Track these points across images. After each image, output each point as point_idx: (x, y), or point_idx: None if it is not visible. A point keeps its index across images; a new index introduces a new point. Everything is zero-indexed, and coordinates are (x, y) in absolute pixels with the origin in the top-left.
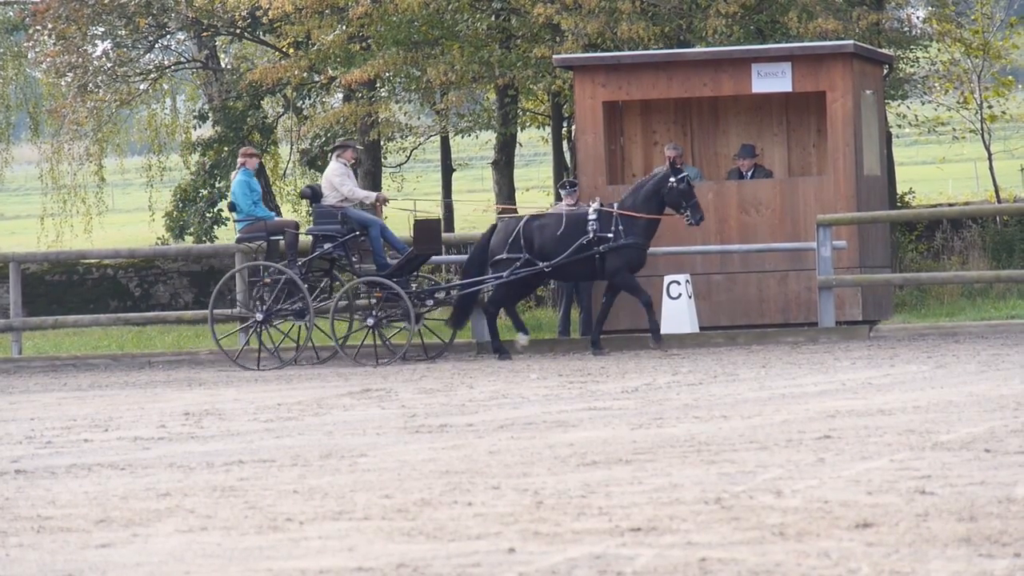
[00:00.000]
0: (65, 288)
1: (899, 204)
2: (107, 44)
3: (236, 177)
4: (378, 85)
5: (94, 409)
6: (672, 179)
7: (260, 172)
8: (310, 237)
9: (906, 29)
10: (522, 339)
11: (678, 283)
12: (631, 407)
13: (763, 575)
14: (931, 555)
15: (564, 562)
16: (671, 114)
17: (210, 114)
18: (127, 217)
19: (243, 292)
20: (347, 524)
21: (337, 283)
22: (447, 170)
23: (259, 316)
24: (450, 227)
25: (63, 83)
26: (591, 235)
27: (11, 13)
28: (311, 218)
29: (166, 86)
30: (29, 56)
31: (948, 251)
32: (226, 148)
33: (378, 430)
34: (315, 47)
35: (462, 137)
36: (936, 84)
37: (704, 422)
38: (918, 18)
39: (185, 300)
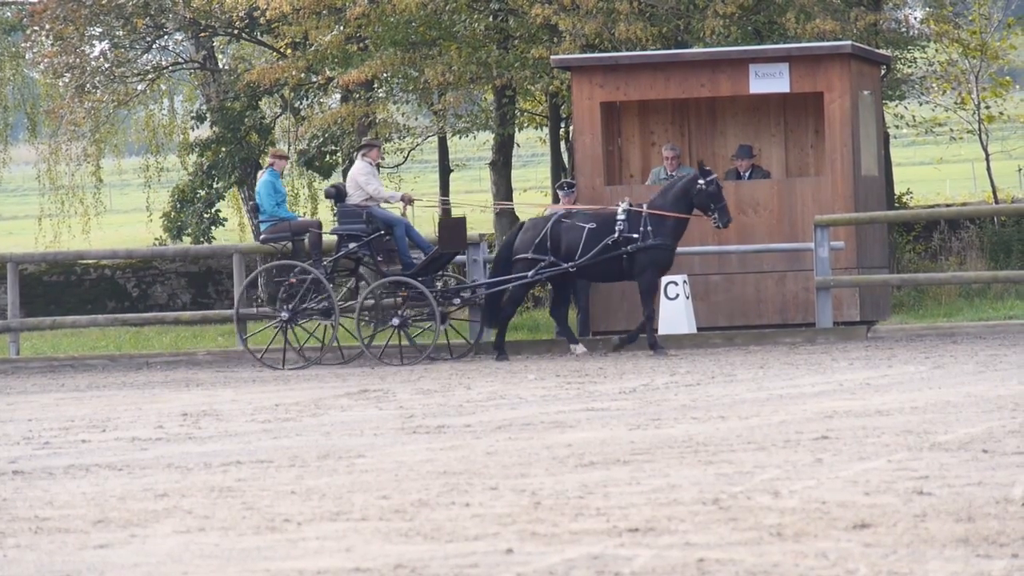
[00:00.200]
0: (63, 289)
1: (897, 205)
2: (105, 45)
3: (262, 178)
4: (376, 86)
5: (92, 410)
6: (701, 181)
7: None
8: (335, 237)
9: (904, 30)
10: (579, 349)
11: (675, 284)
12: (629, 408)
13: (761, 575)
14: (929, 556)
15: (562, 563)
16: (669, 115)
17: (208, 115)
18: (125, 218)
19: (269, 287)
20: (345, 525)
21: (363, 282)
22: (445, 171)
23: (285, 315)
24: None
25: (61, 84)
26: (617, 235)
27: (8, 14)
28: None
29: (164, 87)
30: (27, 57)
31: (946, 252)
32: (223, 149)
33: (376, 431)
34: (313, 48)
35: (460, 138)
36: (934, 85)
37: (702, 423)
38: (916, 19)
39: (183, 301)
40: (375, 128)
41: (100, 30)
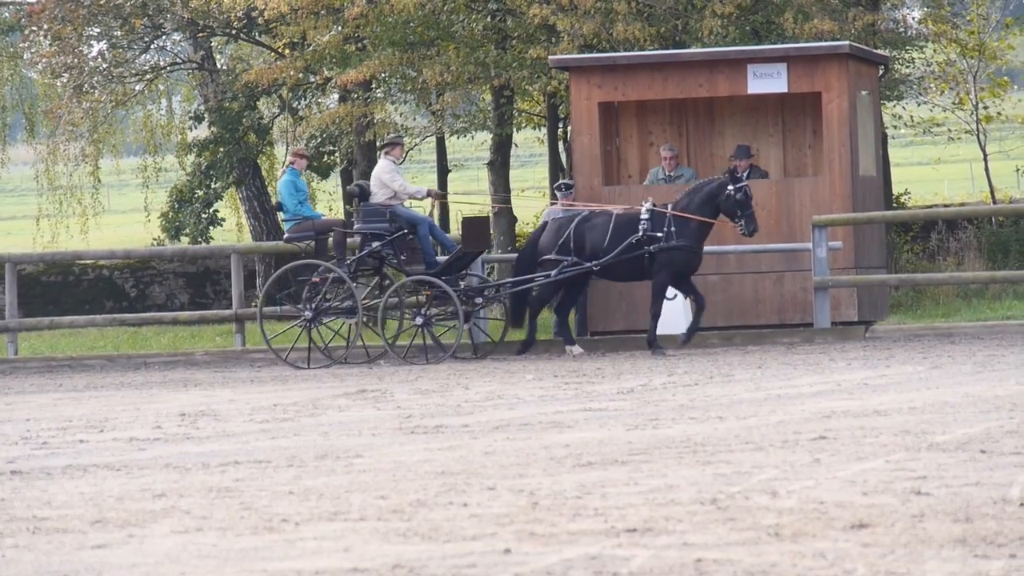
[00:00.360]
0: (61, 289)
1: (895, 205)
2: (103, 45)
3: (283, 177)
4: (374, 86)
5: (90, 410)
6: (731, 187)
7: (256, 172)
8: (358, 236)
9: (902, 30)
10: (575, 350)
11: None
12: (627, 408)
13: (758, 575)
14: (927, 556)
15: (560, 563)
16: (667, 115)
17: (206, 115)
18: (123, 218)
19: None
20: (343, 525)
21: (387, 281)
22: (443, 171)
23: (308, 314)
24: (445, 227)
25: (59, 84)
26: (641, 234)
27: (7, 14)
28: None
29: (162, 87)
30: (25, 57)
31: (944, 252)
32: (221, 149)
33: (374, 431)
34: (311, 48)
35: (458, 138)
36: (932, 85)
37: (700, 423)
38: (914, 19)
39: (181, 301)
40: (373, 128)
41: (98, 30)
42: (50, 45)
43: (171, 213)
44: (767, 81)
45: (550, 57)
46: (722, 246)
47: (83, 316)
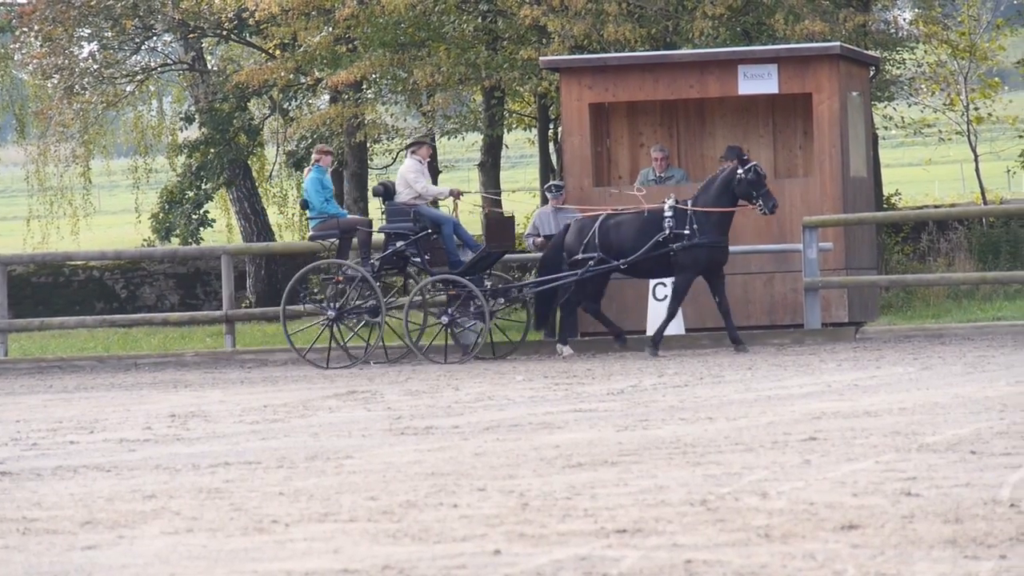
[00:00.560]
0: (51, 290)
1: (885, 206)
2: (93, 46)
3: (309, 175)
4: (364, 87)
5: (80, 411)
6: (740, 170)
7: (247, 173)
8: (382, 235)
9: (893, 31)
10: (566, 351)
11: (664, 285)
12: (617, 409)
13: None
14: (917, 557)
15: (549, 564)
16: (657, 116)
17: (196, 116)
18: (113, 219)
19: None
20: (333, 526)
21: (411, 281)
22: (433, 172)
23: (331, 313)
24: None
25: (49, 85)
26: (667, 232)
27: None
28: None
29: (152, 88)
30: (15, 58)
31: (934, 253)
32: (212, 150)
33: (364, 432)
34: (301, 49)
35: (448, 139)
36: (922, 86)
37: (690, 424)
38: (904, 20)
39: (171, 302)
40: (364, 129)
41: (89, 31)
42: (41, 46)
43: (161, 214)
44: (758, 82)
45: (541, 58)
46: None
47: (73, 317)
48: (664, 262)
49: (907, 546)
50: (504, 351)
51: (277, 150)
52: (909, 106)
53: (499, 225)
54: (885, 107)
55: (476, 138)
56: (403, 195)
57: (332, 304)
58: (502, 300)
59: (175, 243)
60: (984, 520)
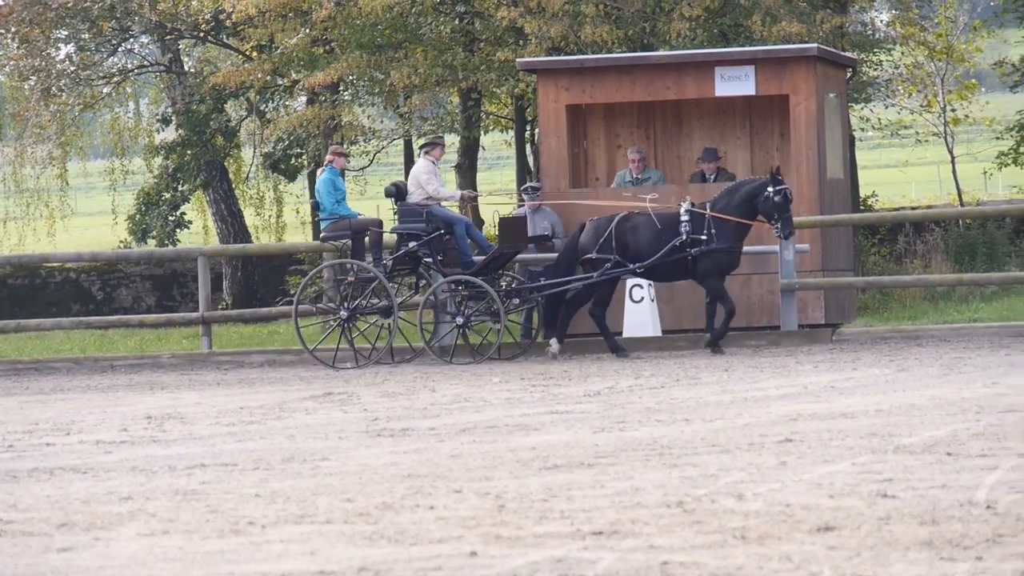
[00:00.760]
0: (27, 292)
1: (862, 207)
2: (70, 48)
3: (322, 175)
4: (341, 88)
5: (56, 413)
6: (771, 189)
7: (224, 175)
8: (394, 235)
9: (870, 32)
10: (554, 346)
11: (641, 286)
12: (593, 411)
13: None
14: (893, 558)
15: (526, 566)
16: (634, 117)
17: (173, 117)
18: (90, 221)
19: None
20: (309, 528)
21: (423, 282)
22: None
23: (344, 314)
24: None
25: (26, 86)
26: (684, 236)
27: None
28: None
29: (129, 89)
30: None
31: (911, 254)
32: (189, 152)
33: (340, 434)
34: (278, 50)
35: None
36: (899, 87)
37: (666, 426)
38: (882, 21)
39: (148, 303)
40: (341, 131)
41: (66, 33)
42: (18, 48)
43: (138, 216)
44: (735, 84)
45: (518, 60)
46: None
47: (50, 319)
48: (680, 266)
49: (883, 548)
50: (513, 352)
51: (254, 152)
52: (886, 108)
53: (511, 226)
54: (862, 108)
55: (453, 140)
56: (415, 196)
57: (344, 304)
58: (516, 300)
59: (152, 245)
60: (960, 522)
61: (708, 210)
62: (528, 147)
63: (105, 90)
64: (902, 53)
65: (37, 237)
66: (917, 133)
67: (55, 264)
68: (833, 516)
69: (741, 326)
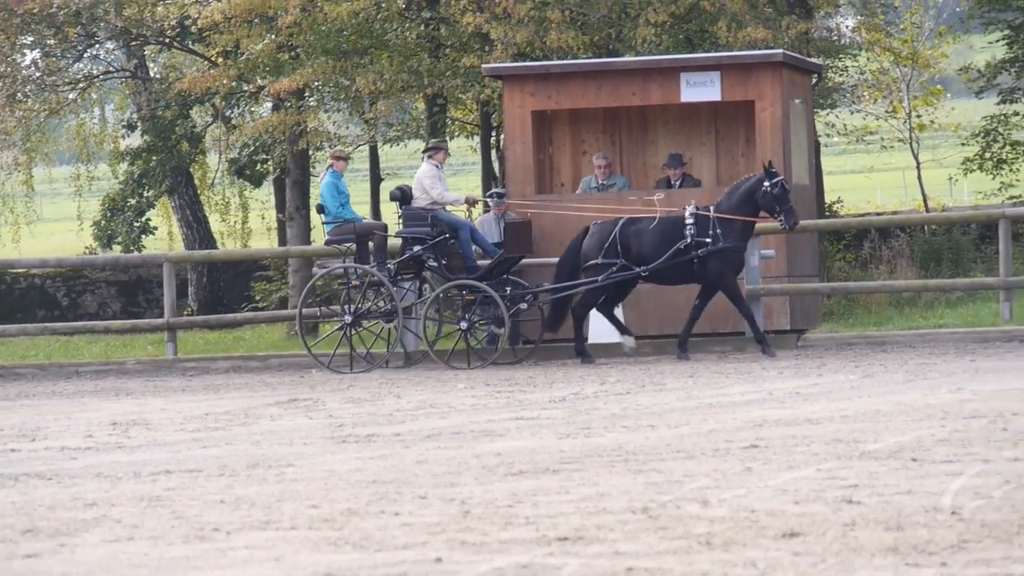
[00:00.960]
0: None
1: (827, 213)
2: (36, 53)
3: (324, 179)
4: (307, 94)
5: (21, 419)
6: (767, 183)
7: (189, 181)
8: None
9: (835, 38)
10: (628, 342)
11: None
12: (558, 417)
13: None
14: (858, 564)
15: (491, 572)
16: (600, 123)
17: (139, 123)
18: (55, 227)
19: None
20: (274, 534)
21: (427, 285)
22: (375, 179)
23: (348, 318)
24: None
25: None
26: (689, 239)
27: None
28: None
29: (95, 96)
30: None
31: (876, 260)
32: (154, 157)
33: (305, 440)
34: (244, 56)
35: (391, 146)
36: (865, 93)
37: (631, 432)
38: (847, 27)
39: (113, 309)
40: (306, 137)
41: (31, 39)
42: None
43: (103, 222)
44: (700, 89)
45: (483, 65)
46: None
47: (14, 325)
48: (686, 269)
49: (848, 554)
50: (522, 355)
51: (219, 158)
52: (851, 113)
53: (517, 231)
54: (827, 114)
55: (418, 145)
56: (420, 200)
57: (348, 309)
58: (524, 305)
59: (117, 251)
60: (925, 528)
61: (712, 211)
62: (494, 153)
63: (71, 96)
64: (868, 59)
65: (2, 243)
66: (882, 139)
67: (20, 270)
68: (798, 522)
69: (706, 332)
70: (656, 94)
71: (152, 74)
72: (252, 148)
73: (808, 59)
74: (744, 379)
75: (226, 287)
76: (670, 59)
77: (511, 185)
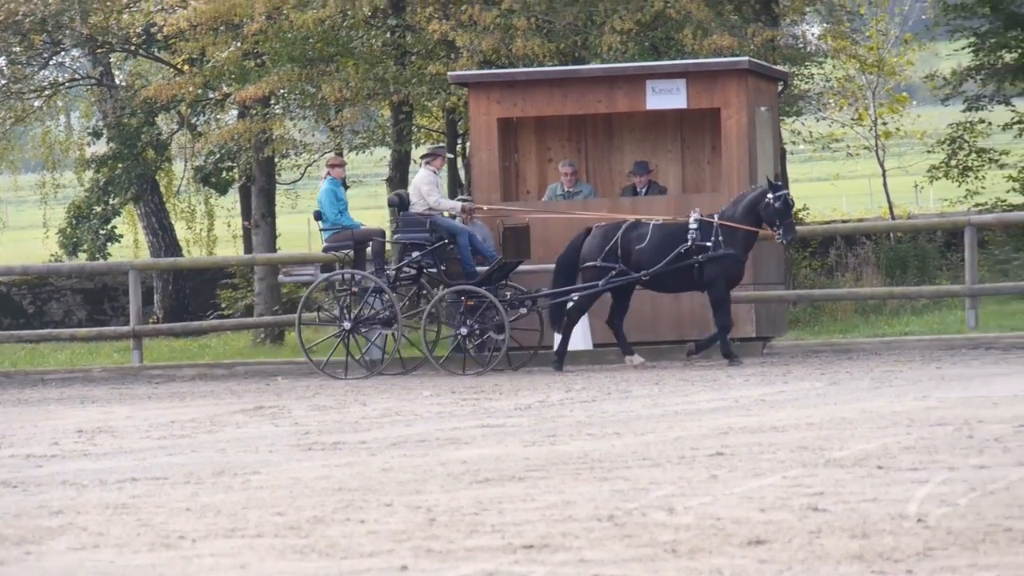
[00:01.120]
0: None
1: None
2: (1, 60)
3: (322, 186)
4: (272, 102)
5: None
6: (770, 195)
7: (155, 188)
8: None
9: (801, 46)
10: (635, 360)
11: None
12: (524, 424)
13: None
14: (823, 572)
15: None
16: (566, 131)
17: (104, 131)
18: (21, 234)
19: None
20: (240, 541)
21: (424, 292)
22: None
23: (347, 325)
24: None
25: None
26: (690, 243)
27: None
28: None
29: (60, 103)
30: None
31: (842, 268)
32: (120, 165)
33: (271, 447)
34: (210, 64)
35: (356, 154)
36: (831, 100)
37: (597, 439)
38: (813, 35)
39: (79, 317)
40: (272, 144)
41: None
42: None
43: (69, 229)
44: (666, 97)
45: (449, 73)
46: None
47: None
48: (686, 275)
49: (814, 561)
50: (521, 361)
51: (185, 165)
52: (817, 121)
53: (515, 236)
54: (793, 122)
55: (384, 153)
56: (417, 206)
57: (347, 315)
58: (523, 310)
59: (83, 258)
60: (891, 535)
61: (716, 219)
62: (460, 160)
63: (36, 103)
64: (833, 66)
65: None
66: (848, 146)
67: None
68: (764, 530)
69: (672, 339)
70: (622, 102)
71: (118, 82)
72: (218, 156)
73: (774, 67)
74: (710, 387)
75: (192, 295)
76: (636, 67)
77: (477, 192)
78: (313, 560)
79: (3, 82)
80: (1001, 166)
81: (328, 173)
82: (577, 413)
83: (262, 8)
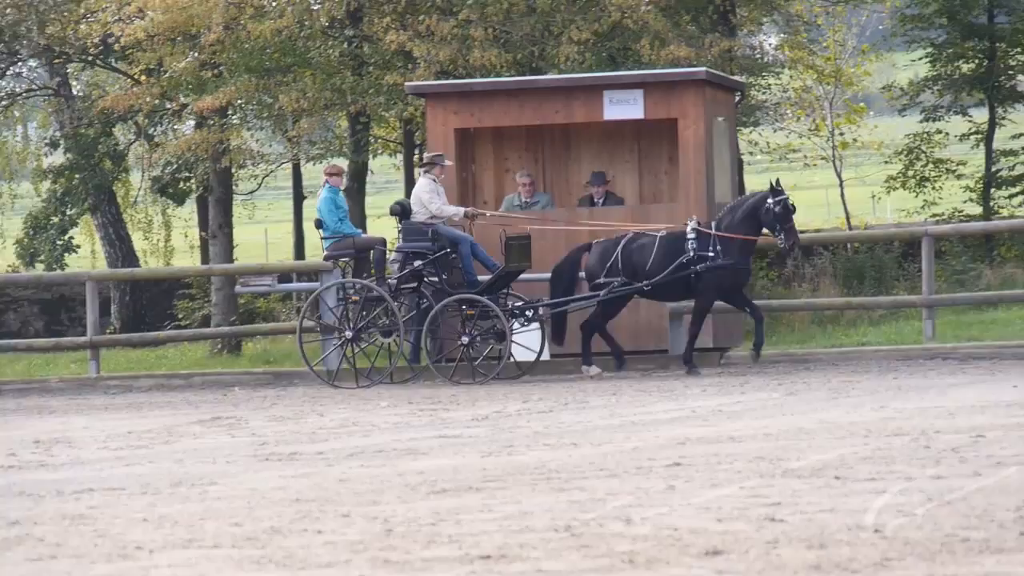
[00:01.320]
0: None
1: None
2: None
3: (321, 195)
4: (230, 112)
5: None
6: (771, 200)
7: (112, 199)
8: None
9: (758, 56)
10: (592, 370)
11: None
12: (481, 435)
13: None
14: None
15: None
16: (523, 141)
17: (61, 141)
18: None
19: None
20: (197, 552)
21: (424, 300)
22: (298, 198)
23: (348, 333)
24: (301, 254)
25: None
26: (691, 254)
27: None
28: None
29: (17, 113)
30: None
31: (799, 278)
32: (77, 176)
33: (228, 458)
34: (167, 74)
35: (314, 164)
36: (788, 111)
37: (554, 450)
38: (770, 45)
39: (35, 328)
40: (229, 155)
41: None
42: None
43: (26, 240)
44: (623, 107)
45: (406, 83)
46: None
47: None
48: (683, 284)
49: (771, 572)
50: (523, 369)
51: (142, 176)
52: (775, 131)
53: (517, 245)
54: (751, 132)
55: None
56: (419, 215)
57: (349, 324)
58: (536, 324)
59: (40, 269)
60: (848, 545)
61: (713, 229)
62: (417, 171)
63: None
64: (791, 77)
65: None
66: (805, 157)
67: None
68: (721, 540)
69: (629, 350)
70: (579, 112)
71: (75, 92)
72: (175, 166)
73: (731, 77)
74: (667, 397)
75: (149, 305)
76: (593, 77)
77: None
78: (270, 571)
79: None
80: (958, 176)
81: (326, 182)
82: (534, 424)
83: (219, 18)
